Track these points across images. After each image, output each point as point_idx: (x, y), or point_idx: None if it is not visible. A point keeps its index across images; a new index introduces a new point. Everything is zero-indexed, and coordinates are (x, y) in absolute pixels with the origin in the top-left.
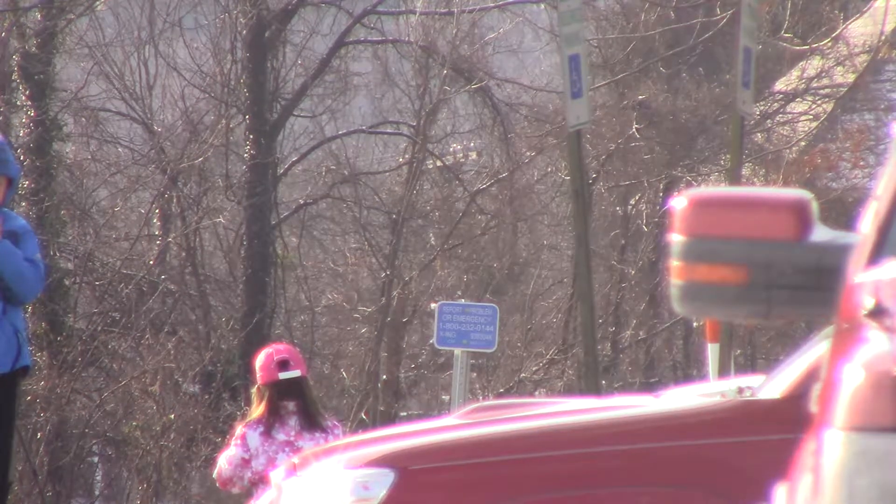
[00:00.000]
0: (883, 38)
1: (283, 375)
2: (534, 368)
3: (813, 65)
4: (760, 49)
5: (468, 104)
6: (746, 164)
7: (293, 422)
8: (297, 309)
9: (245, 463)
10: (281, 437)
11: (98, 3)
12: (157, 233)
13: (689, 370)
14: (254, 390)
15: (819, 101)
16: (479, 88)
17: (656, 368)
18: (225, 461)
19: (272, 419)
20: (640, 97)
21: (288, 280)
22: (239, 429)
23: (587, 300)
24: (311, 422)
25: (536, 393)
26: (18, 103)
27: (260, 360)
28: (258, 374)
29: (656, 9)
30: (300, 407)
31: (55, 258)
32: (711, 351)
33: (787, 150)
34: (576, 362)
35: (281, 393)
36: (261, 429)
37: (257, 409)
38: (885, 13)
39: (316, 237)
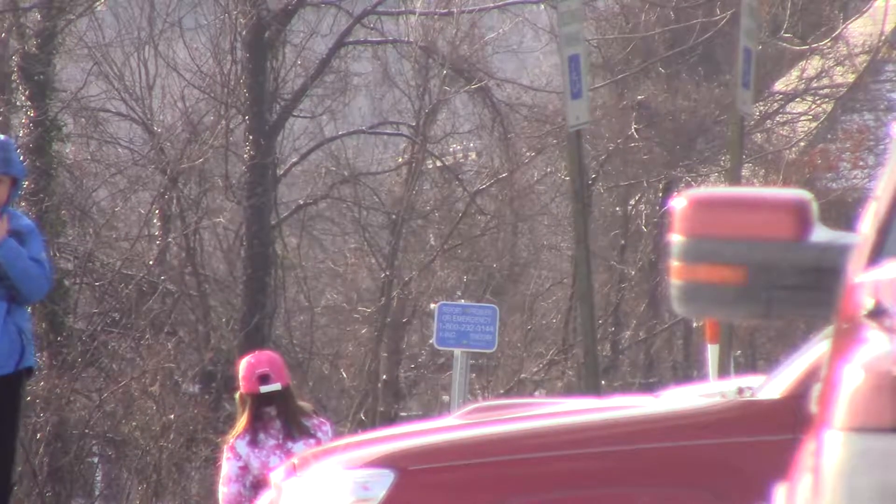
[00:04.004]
0: (883, 38)
1: (263, 389)
2: (534, 369)
3: (813, 65)
4: (760, 49)
5: (468, 104)
6: (746, 165)
7: (278, 426)
8: (296, 309)
9: (243, 471)
10: (270, 442)
11: (98, 3)
12: (156, 233)
13: (688, 371)
14: (237, 396)
15: (819, 102)
16: (478, 88)
17: (656, 369)
18: (224, 485)
19: (256, 428)
20: (640, 97)
21: (288, 280)
22: (226, 443)
23: (587, 300)
24: (296, 429)
25: (536, 393)
26: (18, 103)
27: (241, 369)
28: (240, 383)
29: (656, 9)
30: (281, 411)
31: (55, 258)
32: (711, 351)
33: (787, 151)
34: (576, 363)
35: (261, 403)
36: (247, 437)
37: (241, 420)
38: (885, 13)
39: (316, 237)
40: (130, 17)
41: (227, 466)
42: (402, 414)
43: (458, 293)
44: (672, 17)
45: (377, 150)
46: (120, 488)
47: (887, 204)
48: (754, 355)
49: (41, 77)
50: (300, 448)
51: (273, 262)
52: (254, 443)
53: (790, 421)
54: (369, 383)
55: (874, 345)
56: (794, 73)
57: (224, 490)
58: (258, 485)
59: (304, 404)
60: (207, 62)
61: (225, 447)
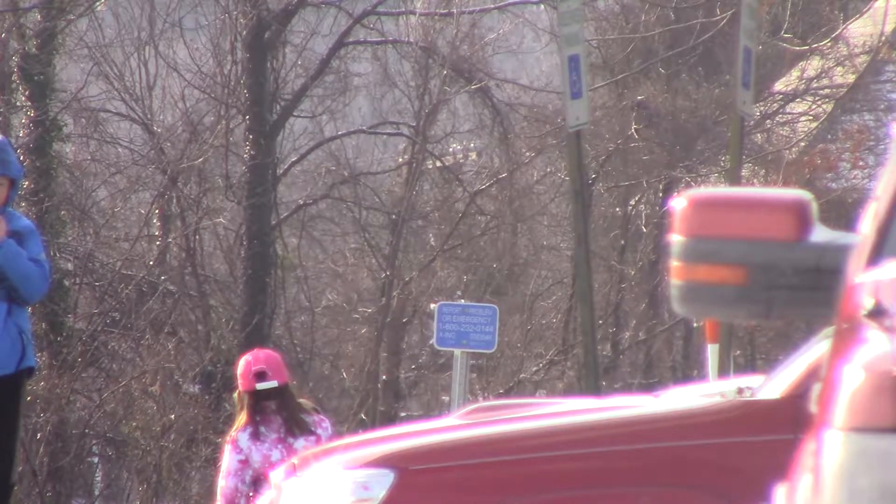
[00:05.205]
0: (883, 38)
1: (259, 386)
2: (534, 369)
3: (813, 65)
4: (760, 49)
5: (468, 104)
6: (746, 165)
7: (278, 422)
8: (296, 309)
9: (243, 464)
10: (271, 435)
11: (98, 3)
12: (156, 233)
13: (688, 371)
14: (235, 395)
15: (819, 102)
16: (478, 89)
17: (656, 369)
18: (223, 478)
19: (256, 422)
20: (640, 98)
21: (288, 280)
22: (228, 437)
23: (587, 300)
24: (296, 426)
25: (537, 394)
26: (18, 104)
27: (239, 367)
28: (238, 381)
29: (656, 9)
30: (281, 408)
31: (55, 259)
32: (711, 351)
33: (787, 151)
34: (576, 363)
35: (259, 400)
36: (249, 430)
37: (239, 417)
38: (885, 13)
39: (316, 238)
40: (130, 17)
41: (228, 459)
42: (402, 414)
43: (458, 293)
44: (672, 18)
45: (377, 150)
46: (120, 488)
47: (887, 204)
48: (754, 355)
49: (41, 77)
50: (301, 444)
51: (273, 262)
52: (255, 435)
53: (790, 421)
54: (369, 383)
55: (874, 345)
56: (794, 73)
57: (222, 483)
58: (258, 480)
59: (305, 401)
60: (207, 62)
61: (227, 441)
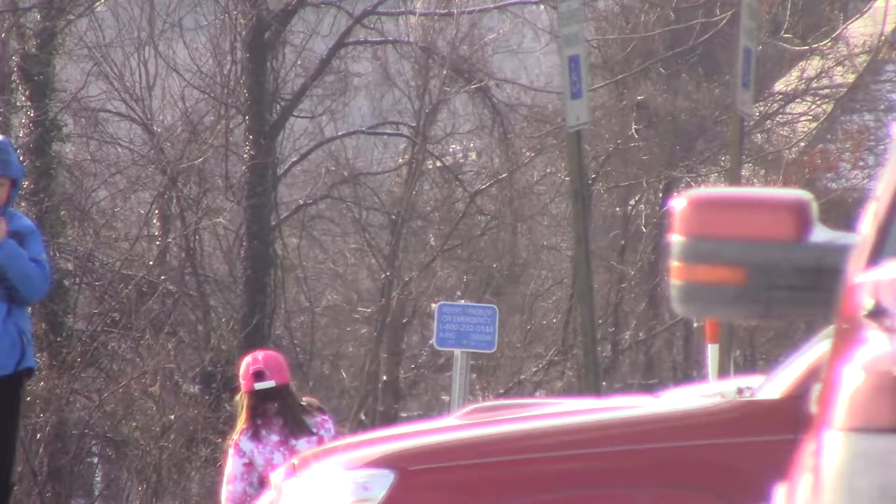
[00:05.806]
0: (883, 38)
1: (257, 386)
2: (533, 369)
3: (813, 65)
4: (760, 49)
5: (468, 104)
6: (746, 165)
7: (280, 422)
8: (296, 309)
9: (248, 467)
10: (273, 437)
11: (98, 3)
12: (156, 233)
13: (688, 371)
14: (237, 397)
15: (819, 102)
16: (478, 89)
17: (656, 369)
18: (228, 483)
19: (257, 424)
20: (640, 98)
21: (288, 281)
22: (230, 441)
23: (587, 300)
24: (297, 427)
25: (536, 394)
26: (18, 104)
27: (241, 368)
28: (240, 383)
29: (656, 9)
30: (282, 409)
31: (55, 259)
32: (711, 351)
33: (787, 151)
34: (575, 363)
35: (260, 400)
36: (250, 433)
37: (240, 418)
38: (885, 13)
39: (316, 238)
40: (130, 18)
41: (232, 464)
42: (402, 414)
43: (458, 293)
44: (672, 18)
45: (377, 150)
46: (120, 488)
47: (887, 204)
48: (754, 355)
49: (41, 77)
50: (303, 445)
51: (273, 262)
52: (256, 437)
53: (790, 421)
54: (369, 384)
55: (874, 345)
56: (794, 73)
57: (229, 488)
58: (264, 482)
59: (311, 400)
60: (207, 62)
61: (229, 445)
